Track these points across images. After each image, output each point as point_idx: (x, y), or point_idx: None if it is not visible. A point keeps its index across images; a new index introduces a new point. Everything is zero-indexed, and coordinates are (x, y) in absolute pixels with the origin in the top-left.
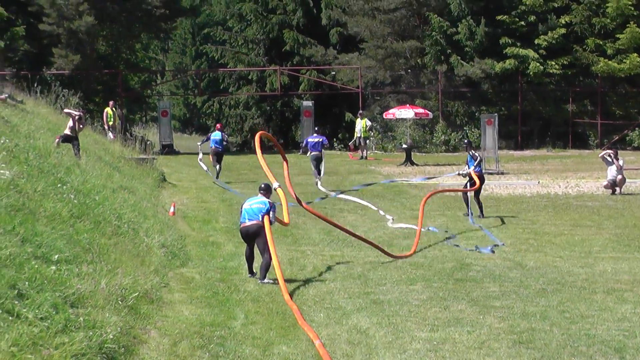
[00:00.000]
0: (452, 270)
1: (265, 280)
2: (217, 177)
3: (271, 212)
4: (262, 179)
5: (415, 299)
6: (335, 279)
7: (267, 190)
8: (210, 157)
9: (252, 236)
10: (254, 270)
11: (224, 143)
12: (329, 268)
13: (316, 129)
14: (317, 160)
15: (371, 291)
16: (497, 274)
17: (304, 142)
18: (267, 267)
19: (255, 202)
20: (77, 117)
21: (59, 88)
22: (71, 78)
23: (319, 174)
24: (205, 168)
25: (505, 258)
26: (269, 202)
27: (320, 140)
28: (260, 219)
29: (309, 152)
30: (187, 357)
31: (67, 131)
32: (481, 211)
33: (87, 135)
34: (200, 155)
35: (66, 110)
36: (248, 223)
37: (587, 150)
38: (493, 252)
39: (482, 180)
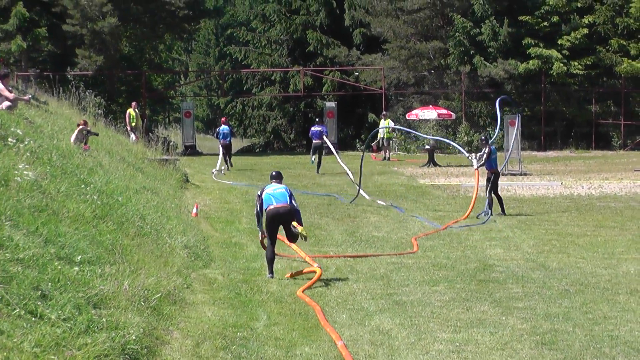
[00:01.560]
0: (475, 271)
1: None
2: (228, 168)
3: (293, 201)
4: (287, 180)
5: (438, 300)
6: (357, 280)
7: (278, 177)
8: (220, 149)
9: (283, 217)
10: (274, 272)
11: (230, 135)
12: (352, 269)
13: (317, 119)
14: (319, 149)
15: (394, 292)
16: (520, 275)
17: (310, 133)
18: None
19: (277, 189)
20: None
21: (83, 89)
22: (94, 79)
23: (319, 165)
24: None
25: (528, 259)
26: (287, 187)
27: (320, 129)
28: (289, 203)
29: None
30: (210, 358)
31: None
32: (500, 206)
33: (110, 136)
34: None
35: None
36: (278, 204)
37: (611, 151)
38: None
39: (493, 176)
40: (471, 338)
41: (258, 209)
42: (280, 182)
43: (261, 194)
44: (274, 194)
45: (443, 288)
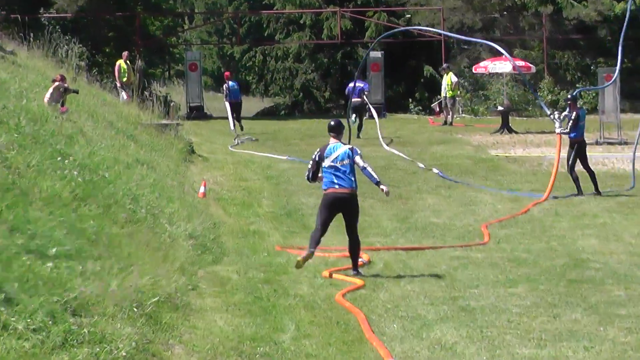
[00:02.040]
0: (564, 268)
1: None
2: (242, 129)
3: (357, 158)
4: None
5: (517, 305)
6: (412, 279)
7: (337, 129)
8: (228, 111)
9: (343, 206)
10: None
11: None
12: (405, 265)
13: (357, 73)
14: (357, 109)
15: (459, 296)
16: (622, 273)
17: (347, 90)
18: (358, 250)
19: (340, 157)
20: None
21: (60, 36)
22: (75, 22)
23: (360, 127)
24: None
25: (632, 253)
26: (348, 148)
27: (362, 85)
28: (353, 185)
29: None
30: None
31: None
32: (593, 184)
33: (95, 95)
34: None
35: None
36: (339, 189)
37: None
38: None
39: (577, 146)
40: (560, 354)
41: (310, 175)
42: (339, 136)
43: (319, 159)
44: (334, 171)
45: (523, 290)
